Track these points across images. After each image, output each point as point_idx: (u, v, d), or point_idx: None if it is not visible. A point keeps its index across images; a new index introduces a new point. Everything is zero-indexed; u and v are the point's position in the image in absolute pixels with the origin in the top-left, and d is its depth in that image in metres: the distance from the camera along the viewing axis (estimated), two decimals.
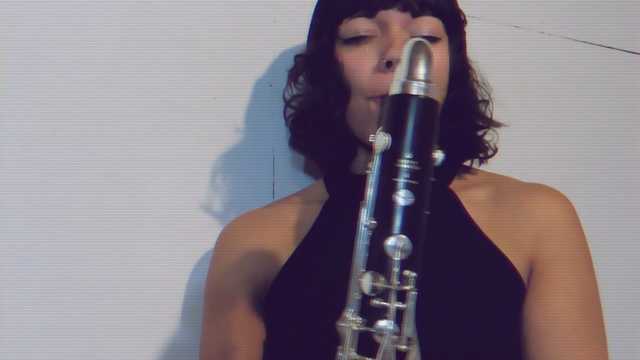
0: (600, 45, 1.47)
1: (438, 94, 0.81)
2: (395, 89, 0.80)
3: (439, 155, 0.80)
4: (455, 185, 1.07)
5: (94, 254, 1.12)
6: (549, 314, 0.98)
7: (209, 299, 1.10)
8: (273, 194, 1.23)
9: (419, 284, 0.88)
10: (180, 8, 1.19)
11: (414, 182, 0.78)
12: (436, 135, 0.81)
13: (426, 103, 0.80)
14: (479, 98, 1.11)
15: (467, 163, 1.11)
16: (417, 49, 0.81)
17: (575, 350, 0.97)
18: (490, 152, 1.11)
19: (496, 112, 1.14)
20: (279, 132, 1.23)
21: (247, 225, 1.11)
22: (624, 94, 1.48)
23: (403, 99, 0.80)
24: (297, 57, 1.15)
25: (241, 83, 1.23)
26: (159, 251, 1.15)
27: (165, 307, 1.16)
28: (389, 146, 0.79)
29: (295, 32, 1.19)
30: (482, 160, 1.11)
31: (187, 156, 1.18)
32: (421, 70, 0.80)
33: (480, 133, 1.10)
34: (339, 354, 0.77)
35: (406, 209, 0.78)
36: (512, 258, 0.99)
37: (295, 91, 1.15)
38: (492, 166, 1.13)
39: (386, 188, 0.78)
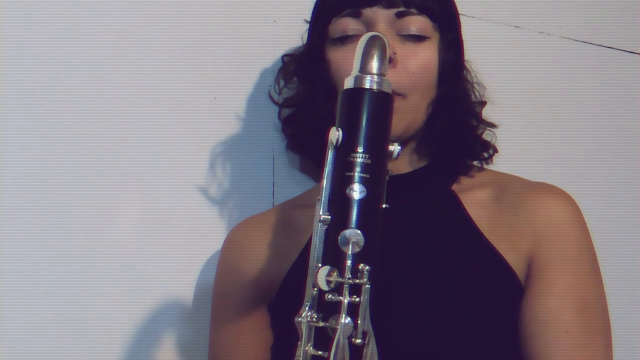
0: (600, 45, 1.47)
1: (391, 88, 0.81)
2: (348, 84, 0.81)
3: (395, 149, 0.80)
4: (458, 185, 1.07)
5: (94, 255, 1.12)
6: (541, 316, 0.97)
7: (216, 303, 1.11)
8: (273, 194, 1.23)
9: (414, 283, 0.88)
10: (180, 8, 1.19)
11: (366, 175, 0.78)
12: (390, 129, 0.81)
13: (379, 96, 0.80)
14: (473, 99, 1.11)
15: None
16: (370, 43, 0.82)
17: (566, 354, 0.95)
18: (490, 152, 1.10)
19: (495, 112, 1.14)
20: (279, 132, 1.22)
21: (252, 229, 1.12)
22: (624, 94, 1.48)
23: (355, 93, 0.80)
24: (284, 57, 1.16)
25: (241, 83, 1.23)
26: (159, 251, 1.15)
27: (165, 308, 1.16)
28: (341, 140, 0.79)
29: (295, 32, 1.19)
30: (483, 162, 1.11)
31: (187, 156, 1.18)
32: (374, 64, 0.80)
33: (477, 133, 1.09)
34: (298, 349, 0.78)
35: (359, 202, 0.78)
36: (510, 259, 0.99)
37: (286, 92, 1.16)
38: (492, 166, 1.13)
39: (339, 182, 0.79)
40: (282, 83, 1.17)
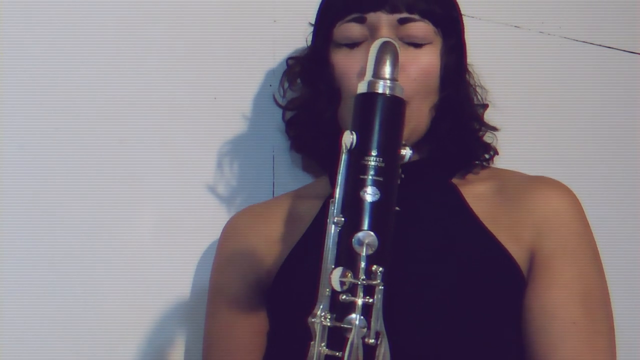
0: (600, 45, 1.47)
1: (404, 93, 0.83)
2: (361, 88, 0.83)
3: (406, 152, 0.82)
4: (459, 180, 1.08)
5: (94, 254, 1.12)
6: (547, 308, 0.97)
7: (212, 291, 1.12)
8: (273, 193, 1.23)
9: (417, 277, 0.88)
10: (181, 8, 1.19)
11: (379, 178, 0.80)
12: (402, 133, 0.83)
13: (392, 101, 0.82)
14: (475, 102, 1.11)
15: None
16: (383, 48, 0.84)
17: (573, 345, 0.96)
18: (490, 154, 1.11)
19: (496, 112, 1.14)
20: (279, 132, 1.23)
21: (250, 218, 1.13)
22: (624, 94, 1.48)
23: (369, 98, 0.82)
24: (289, 59, 1.16)
25: (241, 83, 1.23)
26: (159, 251, 1.15)
27: (165, 306, 1.16)
28: (355, 144, 0.81)
29: (295, 33, 1.19)
30: (483, 163, 1.11)
31: (187, 156, 1.18)
32: (387, 69, 0.82)
33: (478, 135, 1.10)
34: (311, 349, 0.79)
35: (372, 205, 0.80)
36: (512, 250, 1.00)
37: (290, 94, 1.16)
38: (491, 166, 1.13)
39: (353, 185, 0.81)
40: (286, 85, 1.18)
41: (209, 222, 1.19)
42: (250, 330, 1.07)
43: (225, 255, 1.12)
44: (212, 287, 1.12)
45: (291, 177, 1.24)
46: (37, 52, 1.10)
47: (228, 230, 1.14)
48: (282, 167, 1.24)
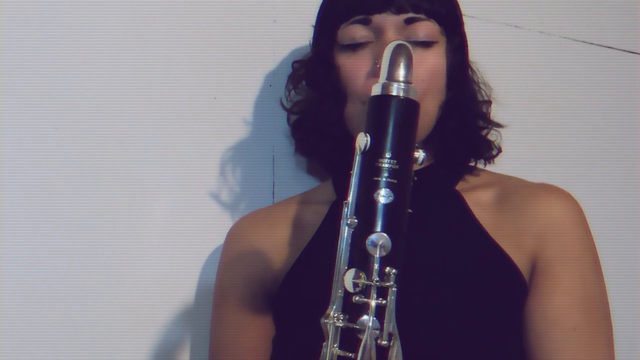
0: (600, 45, 1.48)
1: (418, 95, 0.83)
2: (375, 91, 0.83)
3: (419, 155, 0.82)
4: (461, 186, 1.08)
5: (94, 254, 1.12)
6: (549, 314, 0.98)
7: (218, 296, 1.12)
8: (273, 194, 1.23)
9: (420, 283, 0.88)
10: (181, 8, 1.19)
11: (393, 180, 0.80)
12: (416, 135, 0.83)
13: (406, 103, 0.82)
14: (479, 99, 1.12)
15: (472, 164, 1.11)
16: (397, 51, 0.84)
17: (575, 351, 0.97)
18: (494, 152, 1.11)
19: (496, 112, 1.14)
20: (279, 132, 1.23)
21: (255, 223, 1.13)
22: (624, 94, 1.48)
23: (383, 100, 0.82)
24: (294, 63, 1.16)
25: (241, 83, 1.23)
26: (159, 251, 1.15)
27: (165, 307, 1.16)
28: (369, 146, 0.81)
29: (295, 33, 1.19)
30: (487, 161, 1.11)
31: (187, 156, 1.18)
32: (401, 72, 0.83)
33: (482, 133, 1.10)
34: (323, 349, 0.79)
35: (386, 207, 0.80)
36: (515, 257, 1.00)
37: (295, 97, 1.16)
38: (493, 167, 1.13)
39: (367, 187, 0.81)
40: (291, 87, 1.17)
41: (208, 222, 1.19)
42: (256, 335, 1.07)
43: (230, 259, 1.11)
44: (217, 291, 1.12)
45: (292, 177, 1.24)
46: (37, 52, 1.10)
47: (232, 235, 1.13)
48: (283, 167, 1.24)
